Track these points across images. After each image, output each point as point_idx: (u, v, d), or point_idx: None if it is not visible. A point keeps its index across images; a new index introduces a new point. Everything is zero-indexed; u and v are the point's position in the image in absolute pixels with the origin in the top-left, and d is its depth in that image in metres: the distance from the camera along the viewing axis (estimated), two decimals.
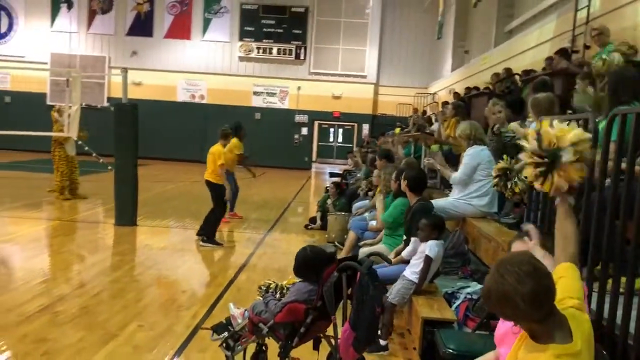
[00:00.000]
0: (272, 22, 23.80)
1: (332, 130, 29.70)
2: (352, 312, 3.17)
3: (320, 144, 29.42)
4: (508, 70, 10.18)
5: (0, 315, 4.65)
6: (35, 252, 7.23)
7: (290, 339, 3.32)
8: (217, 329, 3.63)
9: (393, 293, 4.22)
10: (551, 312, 1.74)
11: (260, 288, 3.63)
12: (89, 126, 11.51)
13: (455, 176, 5.41)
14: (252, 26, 23.82)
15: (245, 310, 3.59)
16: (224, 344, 3.53)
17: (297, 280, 3.46)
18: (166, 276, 6.31)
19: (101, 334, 4.36)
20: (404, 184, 4.95)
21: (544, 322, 1.73)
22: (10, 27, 24.36)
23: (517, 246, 2.67)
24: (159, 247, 7.76)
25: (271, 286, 3.59)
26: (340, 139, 29.67)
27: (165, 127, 22.98)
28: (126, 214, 8.88)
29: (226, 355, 3.53)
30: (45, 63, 23.38)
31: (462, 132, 5.50)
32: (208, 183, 8.06)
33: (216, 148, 8.12)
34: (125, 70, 8.70)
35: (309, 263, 3.39)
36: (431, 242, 4.18)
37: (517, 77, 9.53)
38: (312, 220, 9.73)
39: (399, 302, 4.22)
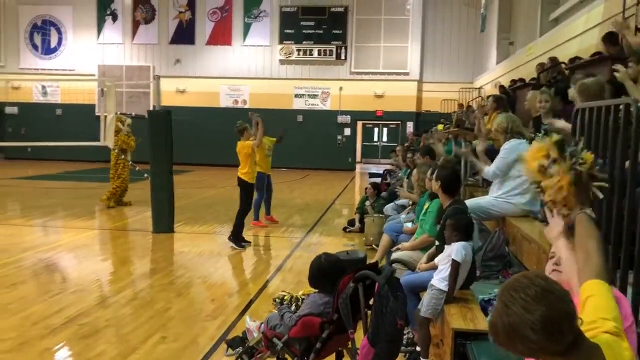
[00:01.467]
0: (312, 23, 23.65)
1: (376, 129, 29.36)
2: (370, 326, 2.92)
3: (364, 144, 29.11)
4: (553, 60, 9.63)
5: (25, 328, 4.62)
6: (71, 262, 7.28)
7: (307, 355, 3.10)
8: (232, 343, 3.46)
9: (424, 305, 3.91)
10: (576, 342, 1.42)
11: (274, 300, 3.43)
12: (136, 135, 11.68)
13: (488, 170, 5.04)
14: (291, 29, 23.74)
15: (262, 323, 3.40)
16: None
17: (312, 289, 3.25)
18: (197, 284, 6.20)
19: (122, 348, 4.25)
20: (436, 185, 4.62)
21: (568, 355, 1.42)
22: (59, 42, 25.16)
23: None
24: (193, 254, 7.68)
25: (285, 298, 3.38)
26: (385, 138, 29.29)
27: (209, 133, 23.18)
28: (163, 221, 8.86)
29: None
30: (94, 75, 24.02)
31: (498, 126, 5.13)
32: (240, 181, 8.15)
33: (240, 145, 8.15)
34: (157, 78, 8.72)
35: (324, 273, 3.17)
36: (458, 244, 3.85)
37: (562, 65, 8.99)
38: (351, 222, 9.47)
39: (432, 315, 3.90)
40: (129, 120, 10.78)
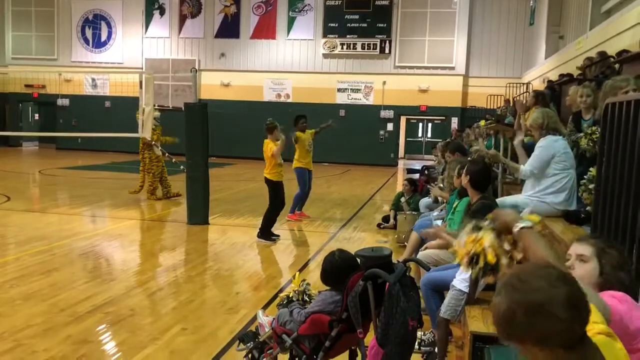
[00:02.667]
0: (356, 17, 23.43)
1: (420, 125, 28.94)
2: (380, 326, 2.82)
3: (408, 139, 28.75)
4: (601, 54, 9.20)
5: (52, 314, 4.71)
6: (105, 251, 7.42)
7: (316, 353, 3.03)
8: (244, 338, 3.41)
9: (444, 306, 3.78)
10: (583, 338, 1.37)
11: (278, 307, 3.38)
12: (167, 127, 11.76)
13: (524, 169, 4.84)
14: (335, 22, 23.59)
15: (274, 318, 3.34)
16: (249, 355, 3.30)
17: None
18: (224, 277, 6.21)
19: (142, 337, 4.28)
20: (465, 179, 4.46)
21: (577, 349, 1.35)
22: (109, 36, 25.80)
23: (574, 248, 2.34)
24: (225, 246, 7.73)
25: (290, 295, 3.33)
26: (429, 133, 28.86)
27: (253, 126, 23.25)
28: (198, 213, 8.94)
29: None
30: (141, 68, 24.54)
31: (533, 122, 4.91)
32: (266, 180, 8.10)
33: (265, 144, 8.09)
34: (195, 71, 8.75)
35: (337, 270, 3.07)
36: None
37: (611, 59, 8.58)
38: (386, 219, 9.33)
39: (451, 316, 3.76)
40: (156, 113, 10.84)
